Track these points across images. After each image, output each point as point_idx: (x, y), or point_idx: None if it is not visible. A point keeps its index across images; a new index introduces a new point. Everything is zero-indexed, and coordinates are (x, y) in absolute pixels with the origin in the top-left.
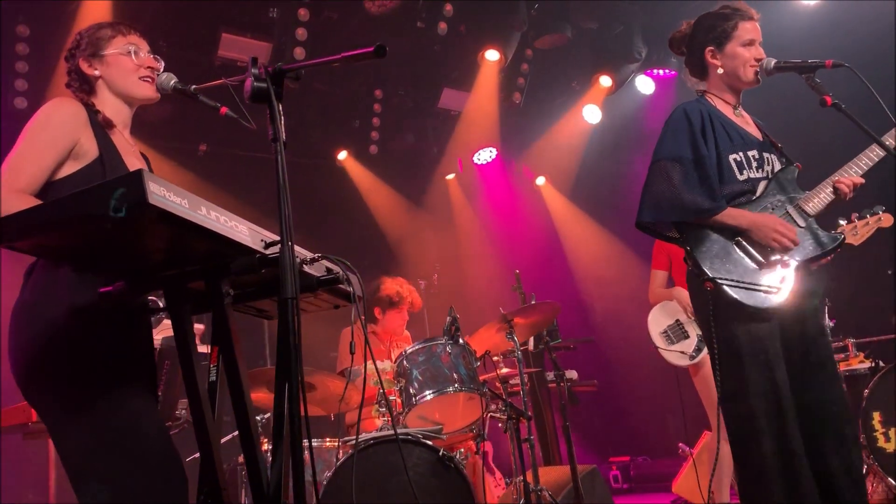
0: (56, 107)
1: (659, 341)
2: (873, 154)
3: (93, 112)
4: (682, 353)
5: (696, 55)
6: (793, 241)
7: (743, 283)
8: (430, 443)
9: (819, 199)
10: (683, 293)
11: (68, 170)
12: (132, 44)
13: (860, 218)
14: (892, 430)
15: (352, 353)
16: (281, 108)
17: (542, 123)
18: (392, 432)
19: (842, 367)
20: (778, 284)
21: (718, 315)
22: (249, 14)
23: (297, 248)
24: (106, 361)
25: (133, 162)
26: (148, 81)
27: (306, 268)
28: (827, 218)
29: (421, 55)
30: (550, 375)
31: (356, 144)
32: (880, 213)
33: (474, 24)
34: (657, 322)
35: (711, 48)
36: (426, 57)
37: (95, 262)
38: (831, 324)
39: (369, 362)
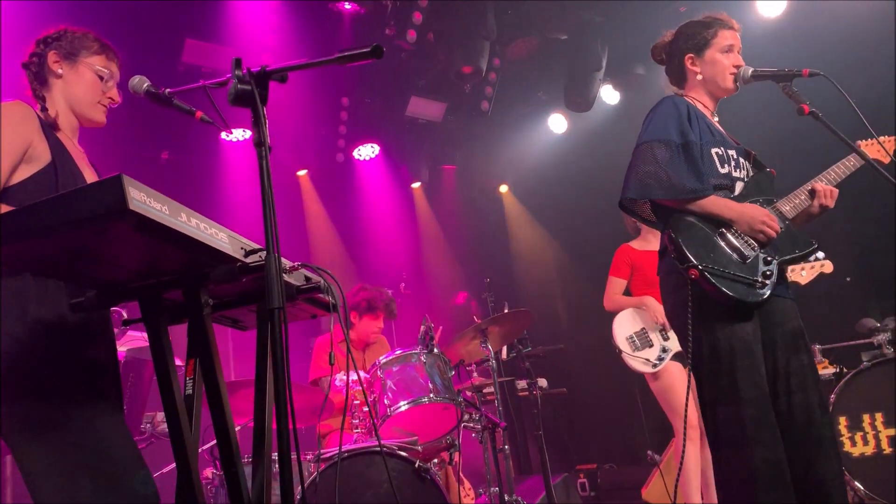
0: (7, 110)
1: (624, 346)
2: (850, 164)
3: (42, 111)
4: (647, 360)
5: (675, 62)
6: (776, 232)
7: (728, 272)
8: (404, 454)
9: (795, 203)
10: (654, 303)
11: (21, 175)
12: (110, 71)
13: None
14: (858, 434)
15: (331, 363)
16: (265, 111)
17: (508, 132)
18: (367, 445)
19: None
20: (762, 279)
21: (699, 313)
22: (215, 20)
23: None
24: (72, 378)
25: (85, 168)
26: (102, 109)
27: (285, 277)
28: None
29: (389, 63)
30: (521, 384)
31: (322, 152)
32: (822, 259)
33: (443, 32)
34: (624, 327)
35: (691, 55)
36: (394, 64)
37: (67, 272)
38: None
39: (352, 372)
